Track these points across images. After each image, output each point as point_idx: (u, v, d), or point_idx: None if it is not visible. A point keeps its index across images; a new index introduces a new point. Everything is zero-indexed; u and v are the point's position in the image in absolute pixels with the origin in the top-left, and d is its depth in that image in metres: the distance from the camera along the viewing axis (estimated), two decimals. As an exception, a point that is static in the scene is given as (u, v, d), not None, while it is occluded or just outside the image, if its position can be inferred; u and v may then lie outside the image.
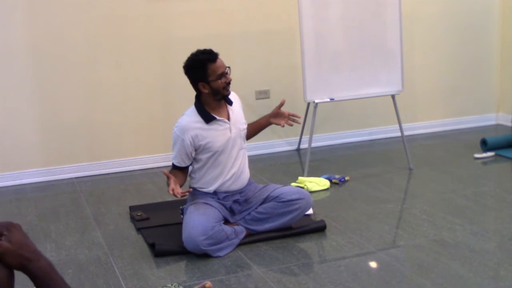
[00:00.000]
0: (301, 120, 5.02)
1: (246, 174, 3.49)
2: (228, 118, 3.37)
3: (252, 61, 5.06)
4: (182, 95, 4.85)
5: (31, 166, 4.69)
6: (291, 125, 3.57)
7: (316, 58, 4.50)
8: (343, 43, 4.59)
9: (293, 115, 3.53)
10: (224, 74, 3.27)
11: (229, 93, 3.36)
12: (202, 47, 3.38)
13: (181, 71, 4.86)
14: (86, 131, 4.78)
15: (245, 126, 3.48)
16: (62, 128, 4.71)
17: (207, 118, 3.31)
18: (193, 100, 3.51)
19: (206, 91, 3.28)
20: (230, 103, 3.41)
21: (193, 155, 3.33)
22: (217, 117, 3.33)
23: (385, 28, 4.63)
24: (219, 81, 3.26)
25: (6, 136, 4.60)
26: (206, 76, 3.25)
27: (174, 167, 3.38)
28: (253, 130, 3.61)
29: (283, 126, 3.56)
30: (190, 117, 3.33)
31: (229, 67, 3.32)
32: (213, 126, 3.32)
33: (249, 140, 3.63)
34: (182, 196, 3.17)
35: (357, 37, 4.58)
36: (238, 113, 3.45)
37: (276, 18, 5.08)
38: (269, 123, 3.59)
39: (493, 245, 3.20)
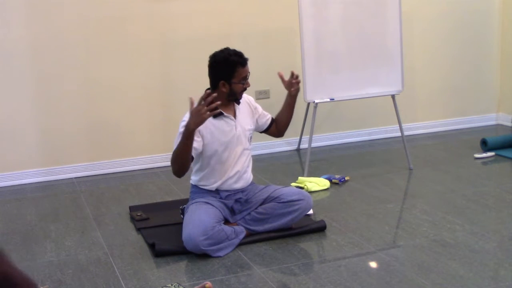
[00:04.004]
0: (301, 120, 5.04)
1: (249, 175, 3.50)
2: (235, 116, 3.41)
3: (252, 61, 5.00)
4: (182, 95, 4.86)
5: (31, 166, 4.69)
6: (298, 80, 3.57)
7: (316, 58, 4.50)
8: (343, 43, 4.59)
9: (291, 75, 3.55)
10: (246, 79, 3.35)
11: (241, 97, 3.42)
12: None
13: (181, 71, 4.90)
14: (86, 131, 4.78)
15: (251, 127, 3.51)
16: (62, 128, 4.71)
17: (215, 113, 3.32)
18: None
19: (224, 90, 3.33)
20: (238, 102, 3.45)
21: (199, 149, 3.32)
22: (225, 113, 3.36)
23: (385, 28, 4.63)
24: (240, 84, 3.33)
25: (6, 136, 4.60)
26: (231, 77, 3.31)
27: None
28: (286, 112, 3.62)
29: (298, 86, 3.58)
30: None
31: (249, 72, 3.38)
32: (220, 121, 3.35)
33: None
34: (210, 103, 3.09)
35: (357, 37, 4.58)
36: (245, 114, 3.48)
37: (276, 18, 5.08)
38: (293, 96, 3.59)
39: (493, 245, 3.20)
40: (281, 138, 5.26)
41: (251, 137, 3.53)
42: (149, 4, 4.75)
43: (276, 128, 3.67)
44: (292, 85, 3.56)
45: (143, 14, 4.75)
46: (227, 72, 3.30)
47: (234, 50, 3.35)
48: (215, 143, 3.33)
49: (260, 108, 3.61)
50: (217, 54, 3.35)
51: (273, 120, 3.66)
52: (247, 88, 3.40)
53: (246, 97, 3.54)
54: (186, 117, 3.29)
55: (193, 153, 3.28)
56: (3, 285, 1.39)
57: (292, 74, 3.55)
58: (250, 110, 3.54)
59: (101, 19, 4.67)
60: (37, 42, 4.56)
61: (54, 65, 4.62)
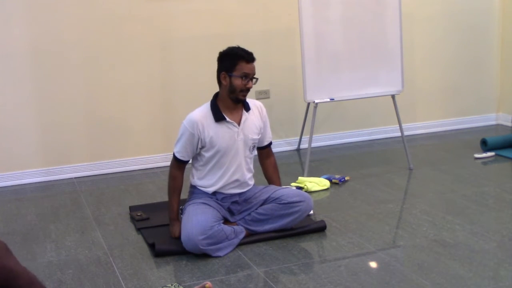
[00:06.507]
0: (301, 120, 5.04)
1: (249, 182, 3.47)
2: (239, 123, 3.36)
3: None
4: (182, 95, 4.88)
5: (31, 166, 4.69)
6: None
7: (316, 58, 4.50)
8: (343, 43, 4.59)
9: None
10: (248, 77, 3.27)
11: (243, 100, 3.33)
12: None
13: (181, 71, 4.91)
14: (86, 131, 4.78)
15: (256, 137, 3.45)
16: (62, 128, 4.71)
17: (218, 116, 3.31)
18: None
19: (225, 83, 3.29)
20: (247, 109, 3.40)
21: (198, 150, 3.33)
22: (227, 119, 3.32)
23: (385, 28, 4.63)
24: (240, 79, 3.26)
25: (6, 136, 4.60)
26: (232, 69, 3.26)
27: (176, 160, 3.37)
28: (271, 182, 3.62)
29: None
30: (201, 112, 3.33)
31: (257, 78, 3.32)
32: (222, 126, 3.32)
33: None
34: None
35: (357, 37, 4.58)
36: (253, 122, 3.41)
37: (276, 18, 5.08)
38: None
39: (493, 245, 3.20)
40: (280, 138, 5.29)
41: (254, 146, 3.48)
42: (149, 4, 4.75)
43: (261, 160, 3.60)
44: None
45: (143, 14, 4.75)
46: (229, 63, 3.27)
47: (245, 48, 3.31)
48: (214, 147, 3.31)
49: (268, 123, 3.53)
50: (226, 48, 3.35)
51: (268, 145, 3.57)
52: (249, 89, 3.30)
53: (259, 105, 3.48)
54: (187, 121, 3.30)
55: (189, 159, 3.38)
56: (5, 277, 1.41)
57: None
58: (260, 119, 3.46)
59: (101, 19, 4.67)
60: (38, 41, 4.56)
61: (54, 65, 4.62)
